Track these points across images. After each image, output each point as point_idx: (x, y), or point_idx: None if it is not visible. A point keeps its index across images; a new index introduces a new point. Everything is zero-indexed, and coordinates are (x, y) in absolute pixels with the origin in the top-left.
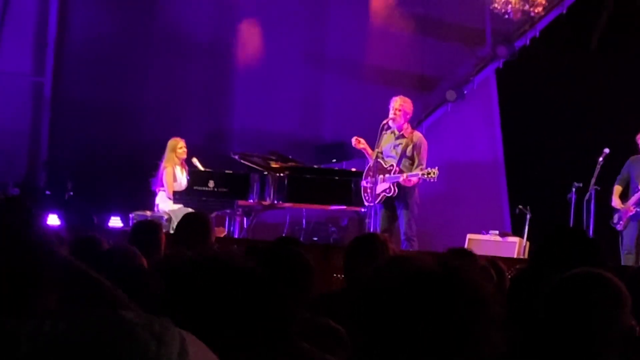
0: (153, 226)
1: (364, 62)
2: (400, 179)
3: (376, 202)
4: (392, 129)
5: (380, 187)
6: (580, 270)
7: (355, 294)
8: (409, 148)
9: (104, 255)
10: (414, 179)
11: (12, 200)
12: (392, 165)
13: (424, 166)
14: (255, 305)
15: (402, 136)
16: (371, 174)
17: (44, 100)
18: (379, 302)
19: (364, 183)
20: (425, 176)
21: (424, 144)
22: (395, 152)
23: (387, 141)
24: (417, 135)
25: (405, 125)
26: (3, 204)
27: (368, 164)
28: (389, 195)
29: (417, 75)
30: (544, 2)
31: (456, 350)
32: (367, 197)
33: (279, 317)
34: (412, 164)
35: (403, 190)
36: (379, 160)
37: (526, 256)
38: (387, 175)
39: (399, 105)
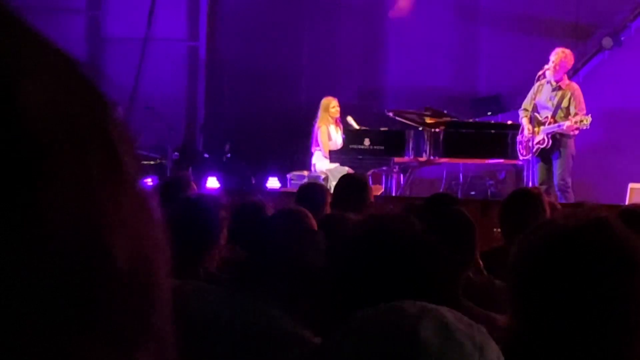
0: (319, 188)
1: (518, 12)
2: (554, 129)
3: (532, 153)
4: (549, 81)
5: (535, 140)
6: None
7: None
8: (565, 100)
9: (271, 220)
10: (569, 128)
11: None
12: (546, 117)
13: (584, 119)
14: (419, 268)
15: (559, 88)
16: (527, 127)
17: (200, 65)
18: (531, 270)
19: (519, 137)
20: (578, 124)
21: (580, 94)
22: (552, 103)
23: (543, 93)
24: (574, 86)
25: (564, 77)
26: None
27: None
28: (542, 146)
29: (571, 23)
30: None
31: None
32: (521, 151)
33: (444, 279)
34: (567, 115)
35: (559, 142)
36: (534, 113)
37: None
38: (542, 127)
39: (559, 59)
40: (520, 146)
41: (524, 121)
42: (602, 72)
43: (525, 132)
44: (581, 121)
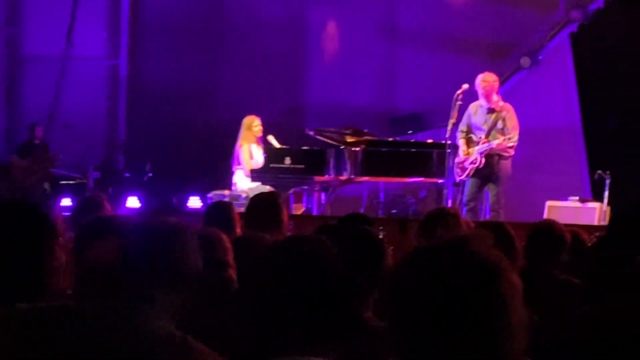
0: (224, 207)
1: (437, 31)
2: (486, 148)
3: (465, 175)
4: (481, 104)
5: (469, 160)
6: None
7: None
8: (500, 121)
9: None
10: (499, 145)
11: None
12: (480, 137)
13: (513, 135)
14: (326, 290)
15: (493, 110)
16: (462, 149)
17: (120, 83)
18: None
19: (457, 159)
20: (506, 141)
21: (513, 115)
22: (487, 125)
23: (478, 115)
24: (507, 107)
25: (496, 98)
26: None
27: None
28: (476, 166)
29: (490, 43)
30: None
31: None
32: (458, 172)
33: (348, 302)
34: (502, 136)
35: (497, 164)
36: (469, 135)
37: (607, 222)
38: (475, 148)
39: (484, 88)
40: (457, 167)
41: (461, 142)
42: (520, 91)
43: (460, 153)
44: (509, 138)
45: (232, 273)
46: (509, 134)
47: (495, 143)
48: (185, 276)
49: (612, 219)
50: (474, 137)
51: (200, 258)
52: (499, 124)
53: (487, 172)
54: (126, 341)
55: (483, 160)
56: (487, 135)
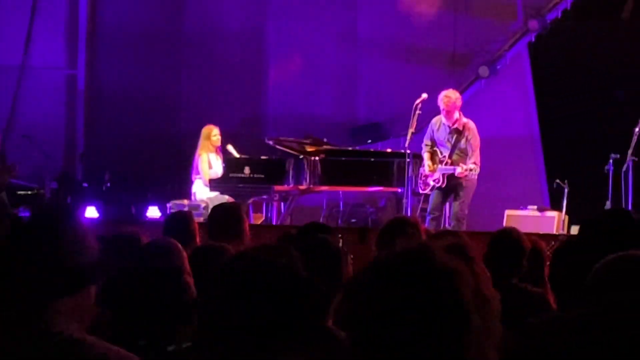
0: (184, 217)
1: (396, 41)
2: (449, 171)
3: (428, 190)
4: (443, 121)
5: (432, 177)
6: (628, 253)
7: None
8: (462, 141)
9: (143, 251)
10: (460, 174)
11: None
12: (444, 156)
13: (476, 158)
14: (287, 299)
15: (457, 130)
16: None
17: (78, 93)
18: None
19: (421, 170)
20: (467, 172)
21: (476, 136)
22: (450, 144)
23: (441, 131)
24: (470, 126)
25: (458, 116)
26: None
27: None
28: (438, 185)
29: (449, 52)
30: None
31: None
32: (421, 186)
33: (311, 310)
34: (465, 156)
35: (462, 178)
36: (434, 148)
37: (565, 231)
38: (439, 166)
39: (445, 104)
40: (421, 180)
41: (426, 156)
42: (478, 101)
43: (426, 168)
44: (471, 170)
45: (189, 279)
46: (471, 156)
47: (457, 172)
48: (80, 276)
49: (581, 227)
50: (438, 152)
51: (97, 254)
52: (462, 144)
53: (452, 186)
54: (16, 350)
55: (445, 181)
56: (451, 154)
